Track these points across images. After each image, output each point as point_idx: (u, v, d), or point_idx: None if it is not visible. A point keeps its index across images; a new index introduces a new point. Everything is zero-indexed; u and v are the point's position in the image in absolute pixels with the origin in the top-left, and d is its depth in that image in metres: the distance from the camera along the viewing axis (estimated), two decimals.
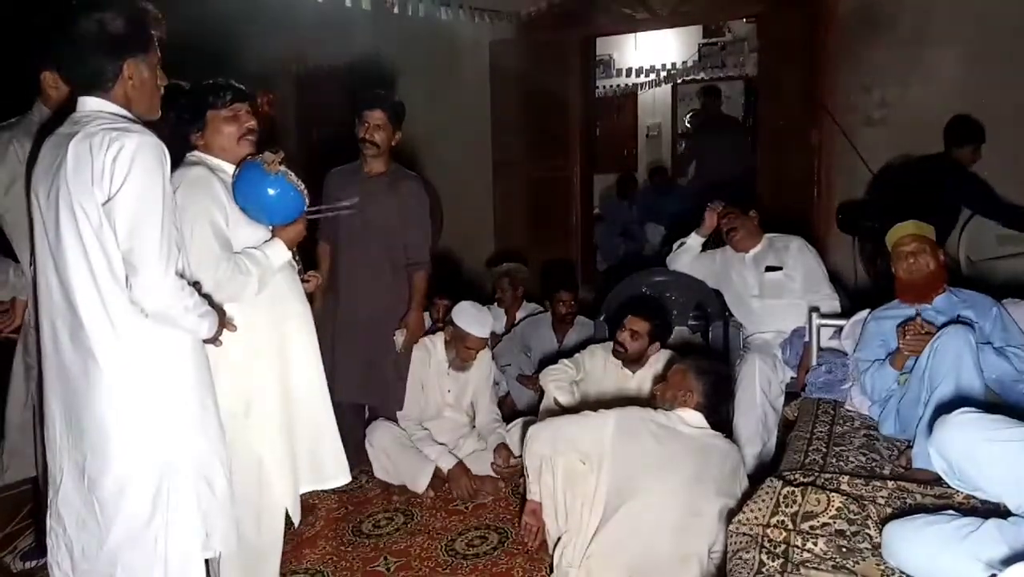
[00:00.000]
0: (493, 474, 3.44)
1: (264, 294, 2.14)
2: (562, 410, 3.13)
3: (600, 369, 3.35)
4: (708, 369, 2.62)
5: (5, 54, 3.81)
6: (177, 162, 2.09)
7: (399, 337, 3.36)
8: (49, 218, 1.72)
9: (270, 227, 2.21)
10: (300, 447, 2.28)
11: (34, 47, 2.30)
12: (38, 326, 1.84)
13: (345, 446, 2.44)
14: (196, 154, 2.18)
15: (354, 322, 3.26)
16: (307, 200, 2.20)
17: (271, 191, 2.10)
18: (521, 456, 2.85)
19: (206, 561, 1.92)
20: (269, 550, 2.28)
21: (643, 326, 3.21)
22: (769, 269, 3.52)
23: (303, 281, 2.45)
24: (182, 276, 1.76)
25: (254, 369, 2.16)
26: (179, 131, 2.15)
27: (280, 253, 2.17)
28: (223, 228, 2.08)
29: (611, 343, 3.35)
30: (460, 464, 3.37)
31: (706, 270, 3.78)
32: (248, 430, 2.14)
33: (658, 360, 3.29)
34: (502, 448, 3.42)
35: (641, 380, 3.28)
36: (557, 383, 3.28)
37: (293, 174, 2.13)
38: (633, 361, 3.27)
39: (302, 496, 2.38)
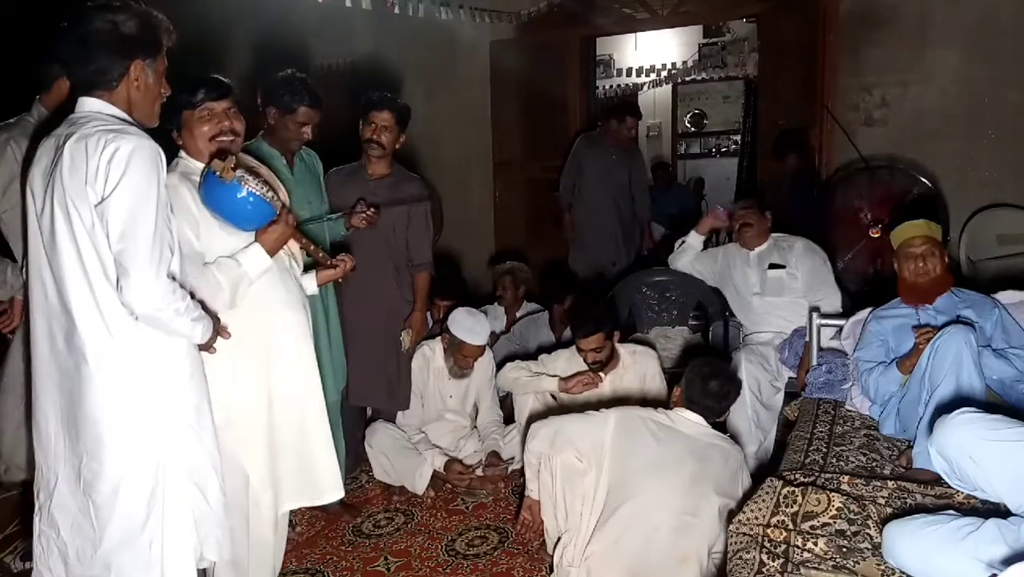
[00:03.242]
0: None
1: (246, 302, 2.06)
2: (560, 409, 3.12)
3: (562, 371, 3.28)
4: (693, 366, 2.61)
5: (5, 55, 3.82)
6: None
7: (405, 337, 3.36)
8: (44, 218, 1.71)
9: (252, 232, 2.11)
10: (288, 463, 2.20)
11: (42, 46, 2.29)
12: (32, 326, 1.82)
13: (346, 447, 2.41)
14: (179, 156, 2.14)
15: (358, 324, 3.25)
16: (275, 205, 2.08)
17: (233, 196, 1.99)
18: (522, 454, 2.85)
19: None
20: (262, 556, 2.24)
21: (597, 339, 3.13)
22: (773, 267, 3.52)
23: (331, 267, 2.39)
24: (174, 279, 1.74)
25: (236, 380, 2.08)
26: (164, 130, 2.09)
27: (258, 258, 2.06)
28: (191, 239, 2.00)
29: (574, 348, 3.29)
30: (451, 460, 3.38)
31: (707, 268, 3.78)
32: (229, 442, 2.06)
33: (636, 361, 3.25)
34: (492, 455, 3.42)
35: (615, 382, 3.23)
36: (512, 368, 3.34)
37: (252, 179, 2.01)
38: (605, 365, 3.21)
39: None
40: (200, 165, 2.10)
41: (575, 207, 5.03)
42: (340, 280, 2.62)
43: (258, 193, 2.01)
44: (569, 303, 4.05)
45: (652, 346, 3.55)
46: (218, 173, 1.96)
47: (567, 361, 3.31)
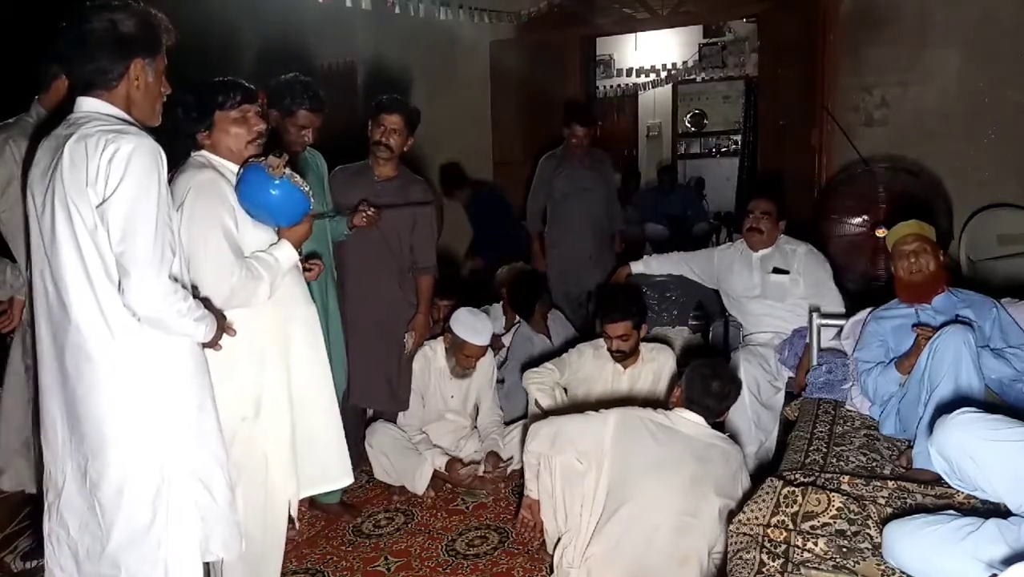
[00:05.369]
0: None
1: (271, 297, 2.12)
2: (544, 413, 3.12)
3: (590, 368, 3.32)
4: (694, 367, 2.61)
5: (5, 55, 3.83)
6: (174, 162, 2.08)
7: (409, 340, 3.36)
8: (44, 219, 1.71)
9: (275, 228, 2.20)
10: (304, 449, 2.27)
11: (41, 46, 2.30)
12: (34, 327, 1.83)
13: (348, 447, 2.43)
14: (204, 155, 2.15)
15: (360, 325, 3.24)
16: (312, 201, 2.19)
17: (276, 195, 2.07)
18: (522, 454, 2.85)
19: (205, 563, 1.91)
20: (272, 550, 2.27)
21: (624, 327, 3.16)
22: (776, 271, 3.51)
23: (306, 270, 2.43)
24: (177, 280, 1.74)
25: (263, 371, 2.14)
26: (185, 128, 2.13)
27: (288, 255, 2.15)
28: (234, 233, 2.06)
29: (599, 341, 3.33)
30: (453, 458, 3.38)
31: (702, 270, 3.77)
32: (257, 431, 2.13)
33: (654, 357, 3.28)
34: (492, 456, 3.42)
35: (633, 377, 3.27)
36: (538, 386, 3.27)
37: (298, 176, 2.11)
38: (628, 356, 3.25)
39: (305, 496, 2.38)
40: (229, 164, 2.15)
41: (547, 233, 4.55)
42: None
43: (303, 191, 2.12)
44: (547, 301, 4.05)
45: (670, 344, 3.55)
46: (272, 169, 2.05)
47: (594, 358, 3.32)
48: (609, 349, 3.23)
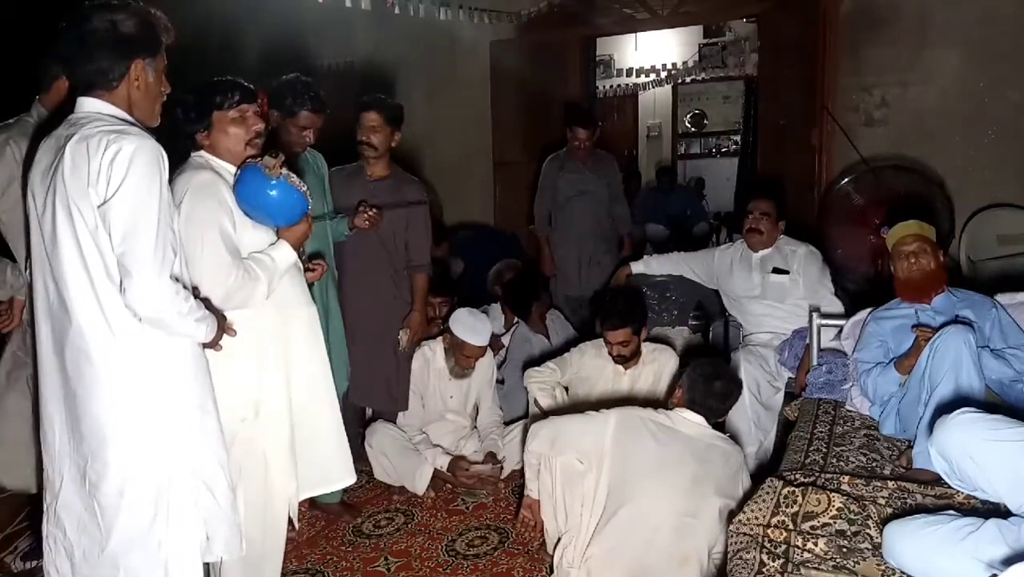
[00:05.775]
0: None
1: (271, 297, 2.12)
2: (544, 413, 3.12)
3: (591, 368, 3.33)
4: (695, 367, 2.61)
5: (5, 55, 3.83)
6: (176, 163, 2.08)
7: (403, 337, 3.36)
8: (45, 219, 1.71)
9: (274, 228, 2.20)
10: (305, 450, 2.27)
11: (42, 46, 2.30)
12: (34, 328, 1.83)
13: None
14: (203, 155, 2.15)
15: (357, 324, 3.25)
16: (310, 201, 2.19)
17: (273, 195, 2.07)
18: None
19: (205, 563, 1.91)
20: (272, 551, 2.27)
21: (624, 333, 3.16)
22: (776, 272, 3.51)
23: (308, 270, 2.42)
24: (178, 280, 1.74)
25: (263, 371, 2.14)
26: (184, 129, 2.13)
27: (286, 255, 2.15)
28: (231, 234, 2.06)
29: (600, 340, 3.33)
30: (456, 457, 3.38)
31: (702, 270, 3.76)
32: (257, 432, 2.13)
33: (655, 358, 3.28)
34: (491, 456, 3.43)
35: (634, 378, 3.27)
36: (539, 385, 3.27)
37: (295, 176, 2.11)
38: (630, 360, 3.26)
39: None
40: (227, 165, 2.15)
41: (554, 237, 4.54)
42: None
43: (301, 191, 2.11)
44: (546, 301, 4.04)
45: (671, 345, 3.56)
46: (268, 169, 2.05)
47: (595, 357, 3.32)
48: (610, 353, 3.23)
